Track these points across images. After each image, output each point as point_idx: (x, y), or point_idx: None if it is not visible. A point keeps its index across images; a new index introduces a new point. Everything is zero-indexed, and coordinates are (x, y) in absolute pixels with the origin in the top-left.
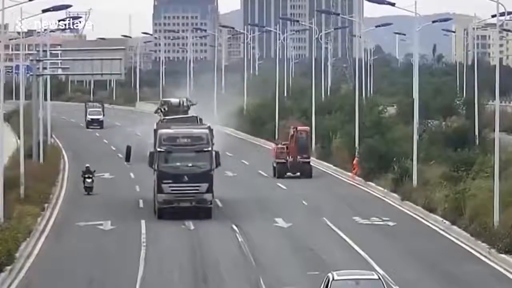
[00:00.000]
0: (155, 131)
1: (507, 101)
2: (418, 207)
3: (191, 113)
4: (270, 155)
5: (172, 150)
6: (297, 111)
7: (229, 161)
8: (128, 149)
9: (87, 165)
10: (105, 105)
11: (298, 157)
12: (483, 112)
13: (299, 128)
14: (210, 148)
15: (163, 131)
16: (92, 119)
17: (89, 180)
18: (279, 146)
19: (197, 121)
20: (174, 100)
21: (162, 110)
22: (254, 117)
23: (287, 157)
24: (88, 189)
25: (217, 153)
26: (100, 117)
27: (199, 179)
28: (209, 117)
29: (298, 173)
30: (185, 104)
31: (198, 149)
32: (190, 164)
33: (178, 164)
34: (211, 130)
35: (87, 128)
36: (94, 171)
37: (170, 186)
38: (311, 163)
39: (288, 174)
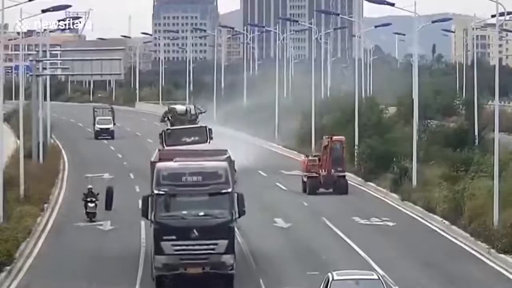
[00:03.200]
0: (152, 164)
1: (506, 101)
2: (418, 207)
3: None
4: (300, 168)
5: (176, 193)
6: (297, 111)
7: None
8: (109, 193)
9: (90, 186)
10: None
11: (332, 170)
12: (483, 112)
13: (333, 138)
14: (230, 189)
15: (163, 166)
16: (101, 128)
17: (91, 205)
18: (310, 158)
19: (206, 132)
20: (180, 108)
21: (169, 118)
22: (254, 117)
23: (320, 171)
24: (91, 215)
25: (240, 196)
26: (110, 126)
27: (214, 234)
28: (210, 117)
29: (331, 189)
30: (192, 112)
31: (213, 191)
32: (201, 213)
33: (184, 212)
34: (231, 161)
35: (96, 138)
36: (98, 194)
37: (173, 245)
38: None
39: (321, 190)
